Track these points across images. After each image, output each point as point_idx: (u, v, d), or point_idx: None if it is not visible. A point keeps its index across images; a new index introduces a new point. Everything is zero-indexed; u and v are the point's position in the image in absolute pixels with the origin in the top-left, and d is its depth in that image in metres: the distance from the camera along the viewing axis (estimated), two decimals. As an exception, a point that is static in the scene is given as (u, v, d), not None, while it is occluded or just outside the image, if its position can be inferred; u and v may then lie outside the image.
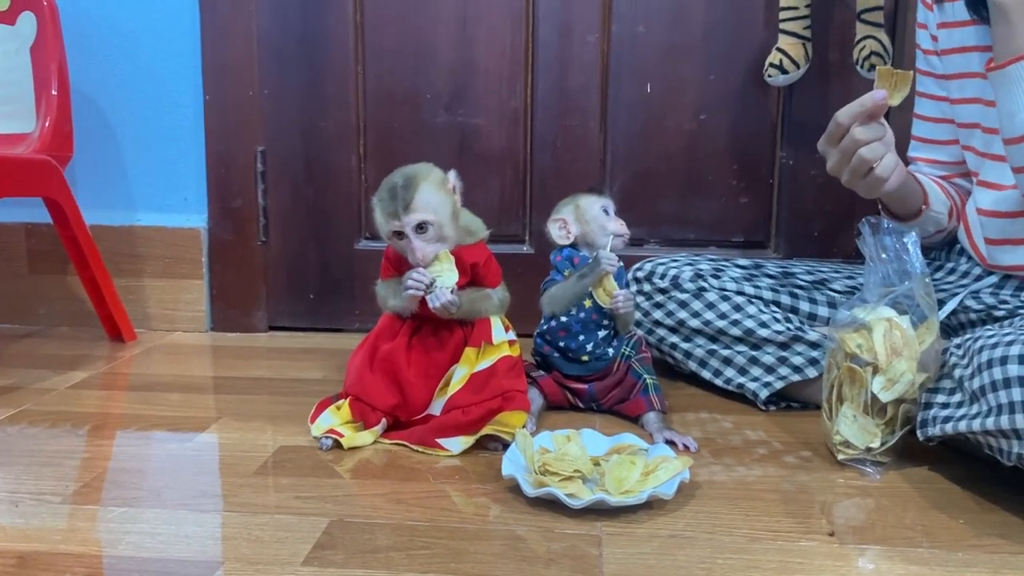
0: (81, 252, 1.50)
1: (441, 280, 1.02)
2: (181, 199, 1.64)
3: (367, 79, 1.59)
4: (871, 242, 0.98)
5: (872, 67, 1.35)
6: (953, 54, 1.15)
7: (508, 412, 1.03)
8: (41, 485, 0.92)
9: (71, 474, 0.95)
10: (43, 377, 1.33)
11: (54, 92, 1.48)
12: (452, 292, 1.02)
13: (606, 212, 1.16)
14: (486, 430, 1.02)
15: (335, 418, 1.05)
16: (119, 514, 0.85)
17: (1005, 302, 1.09)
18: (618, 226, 1.15)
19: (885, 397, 0.95)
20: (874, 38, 1.35)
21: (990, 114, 1.09)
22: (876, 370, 0.95)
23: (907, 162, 1.25)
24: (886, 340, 0.94)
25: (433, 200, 1.02)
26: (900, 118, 1.24)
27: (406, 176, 1.02)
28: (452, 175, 1.05)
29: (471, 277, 1.07)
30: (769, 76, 1.42)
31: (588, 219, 1.15)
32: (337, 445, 1.03)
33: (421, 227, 1.01)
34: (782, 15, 1.41)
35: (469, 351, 1.06)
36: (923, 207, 1.15)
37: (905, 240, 0.97)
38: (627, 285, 1.22)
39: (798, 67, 1.41)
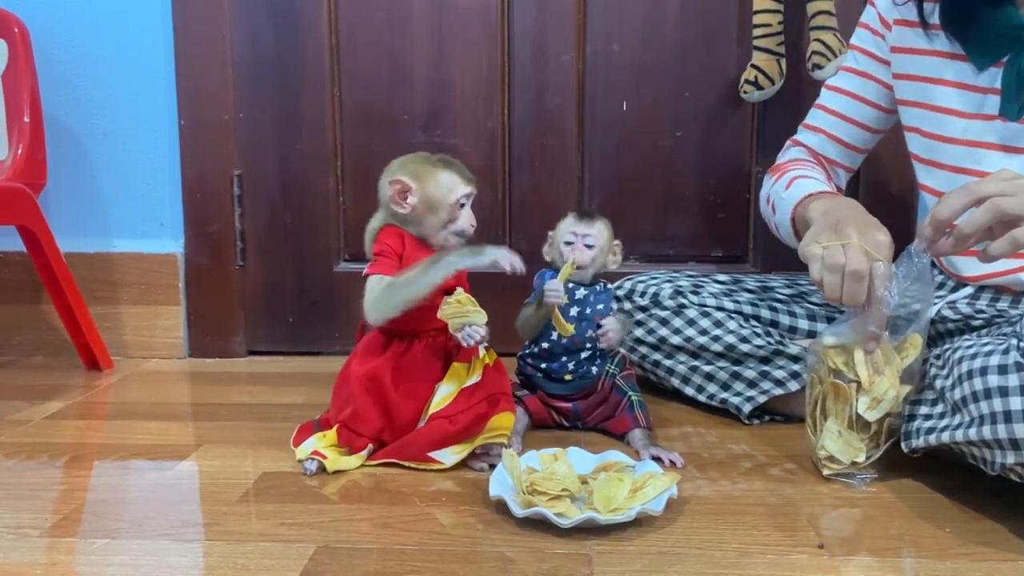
0: (55, 280, 1.47)
1: (473, 318, 1.01)
2: (157, 224, 1.63)
3: (343, 101, 1.59)
4: None
5: (815, 66, 1.40)
6: (903, 54, 1.16)
7: (496, 416, 1.03)
8: (19, 518, 0.90)
9: (49, 506, 0.93)
10: (18, 408, 1.31)
11: (26, 119, 1.46)
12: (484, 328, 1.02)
13: (572, 239, 1.13)
14: (480, 440, 1.01)
15: (320, 442, 1.04)
16: (100, 546, 0.83)
17: (982, 312, 1.10)
18: (577, 255, 1.12)
19: (871, 416, 0.95)
20: (818, 40, 1.39)
21: (932, 118, 1.12)
22: (860, 388, 0.96)
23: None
24: (868, 360, 0.95)
25: None
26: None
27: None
28: None
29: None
30: (745, 92, 1.44)
31: (555, 243, 1.16)
32: (321, 468, 1.01)
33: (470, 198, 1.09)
34: (755, 32, 1.42)
35: (458, 367, 1.05)
36: None
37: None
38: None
39: (773, 83, 1.42)
